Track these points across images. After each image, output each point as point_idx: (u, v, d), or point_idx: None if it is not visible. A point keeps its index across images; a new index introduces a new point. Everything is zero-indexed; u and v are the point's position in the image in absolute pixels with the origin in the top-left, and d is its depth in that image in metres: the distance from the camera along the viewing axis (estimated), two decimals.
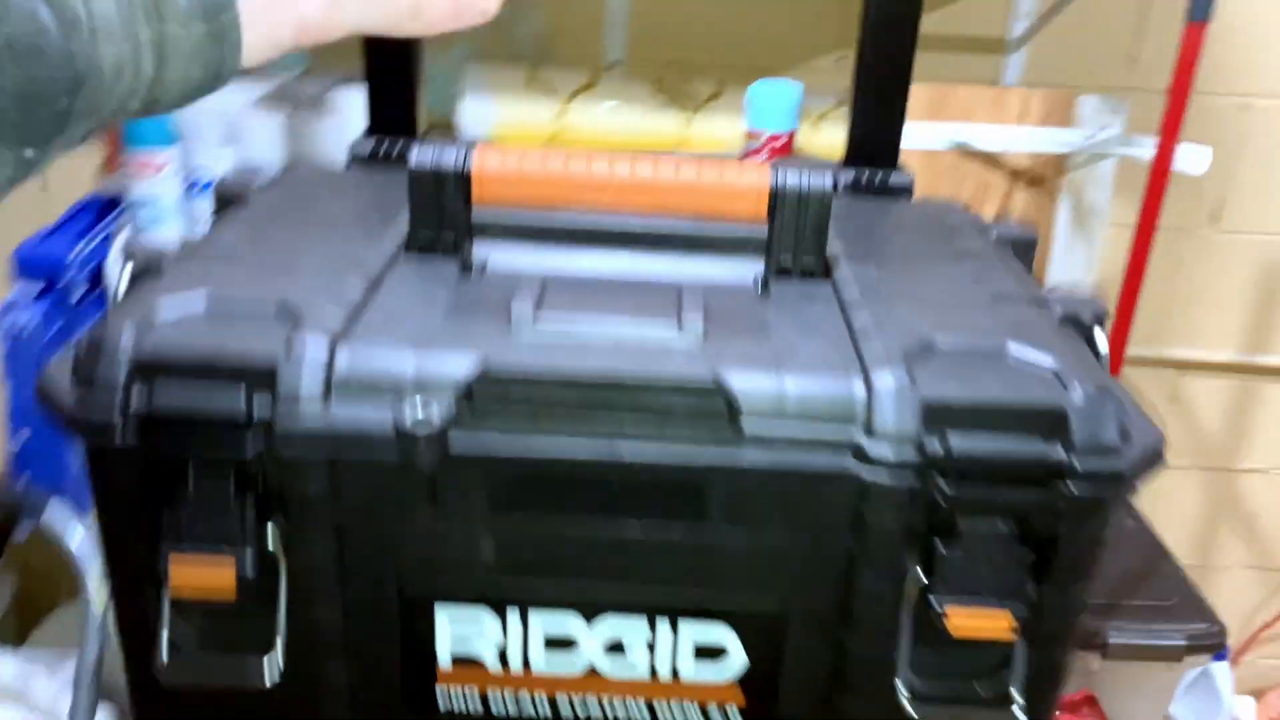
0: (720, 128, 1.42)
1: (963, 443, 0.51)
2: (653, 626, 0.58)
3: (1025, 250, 0.72)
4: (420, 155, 0.63)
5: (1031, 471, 0.52)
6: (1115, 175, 1.27)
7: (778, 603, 0.57)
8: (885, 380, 0.53)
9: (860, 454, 0.53)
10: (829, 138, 1.42)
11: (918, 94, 1.24)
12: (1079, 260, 1.31)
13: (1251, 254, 1.56)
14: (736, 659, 0.58)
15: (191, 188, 1.21)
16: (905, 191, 0.83)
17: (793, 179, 0.63)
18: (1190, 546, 1.77)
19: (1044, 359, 0.55)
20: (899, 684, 0.56)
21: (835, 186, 0.63)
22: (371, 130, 0.83)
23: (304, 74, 1.45)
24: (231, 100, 1.27)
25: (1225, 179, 1.51)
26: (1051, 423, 0.52)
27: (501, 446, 0.53)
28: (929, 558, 0.54)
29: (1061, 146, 1.23)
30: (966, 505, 0.52)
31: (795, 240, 0.65)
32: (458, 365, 0.53)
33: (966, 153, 1.25)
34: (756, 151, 1.22)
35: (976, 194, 1.27)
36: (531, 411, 0.53)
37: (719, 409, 0.53)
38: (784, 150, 1.21)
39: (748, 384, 0.53)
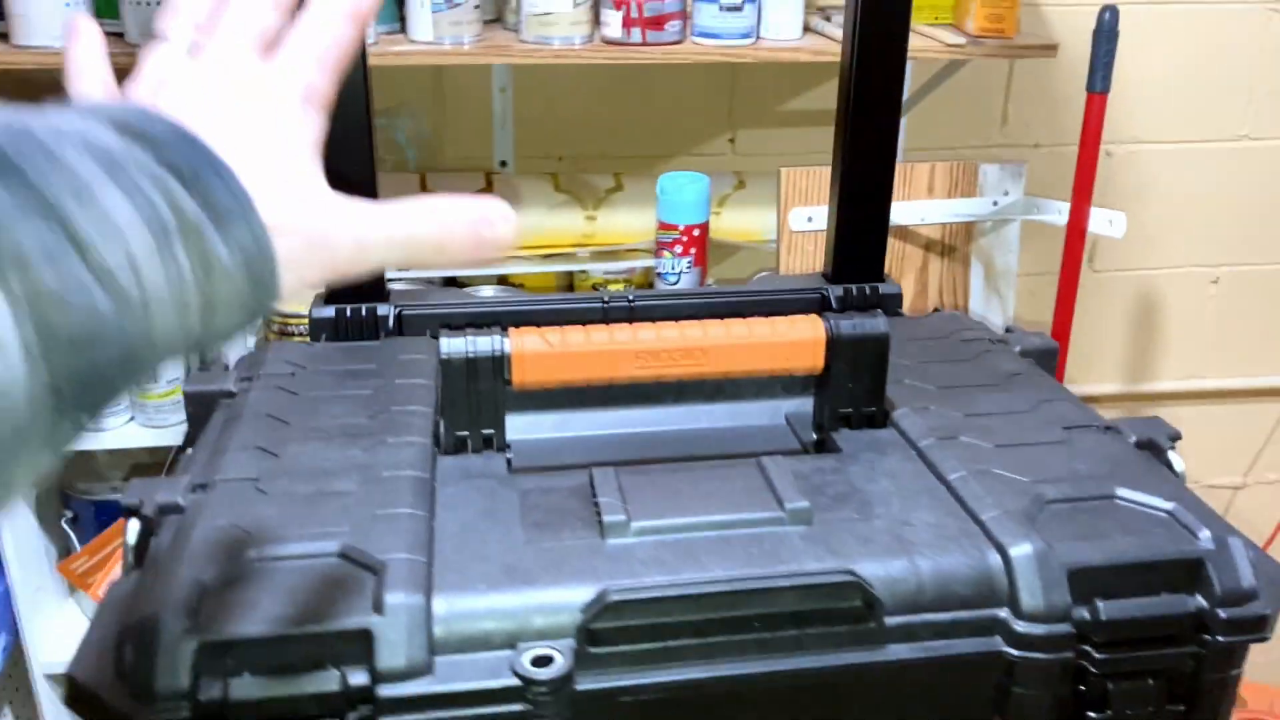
0: (624, 222, 1.39)
1: (1112, 608, 0.49)
2: None
3: (1049, 360, 0.72)
4: (451, 347, 0.57)
5: (1177, 627, 0.50)
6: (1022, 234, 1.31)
7: None
8: (1023, 550, 0.50)
9: (1008, 633, 0.50)
10: (732, 221, 1.41)
11: (826, 177, 1.26)
12: (995, 320, 1.34)
13: (1124, 290, 1.64)
14: None
15: None
16: (896, 300, 0.82)
17: (847, 326, 0.61)
18: None
19: (1156, 501, 0.54)
20: None
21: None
22: (330, 297, 0.76)
23: None
24: None
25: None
26: (1190, 574, 0.51)
27: (628, 678, 0.48)
28: None
29: (972, 217, 1.26)
30: (1116, 672, 0.50)
31: (854, 388, 0.62)
32: (572, 598, 0.48)
33: None
34: (670, 245, 1.20)
35: (894, 267, 1.28)
36: (656, 634, 0.48)
37: (857, 605, 0.49)
38: (700, 241, 1.19)
39: (882, 574, 0.50)
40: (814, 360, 0.61)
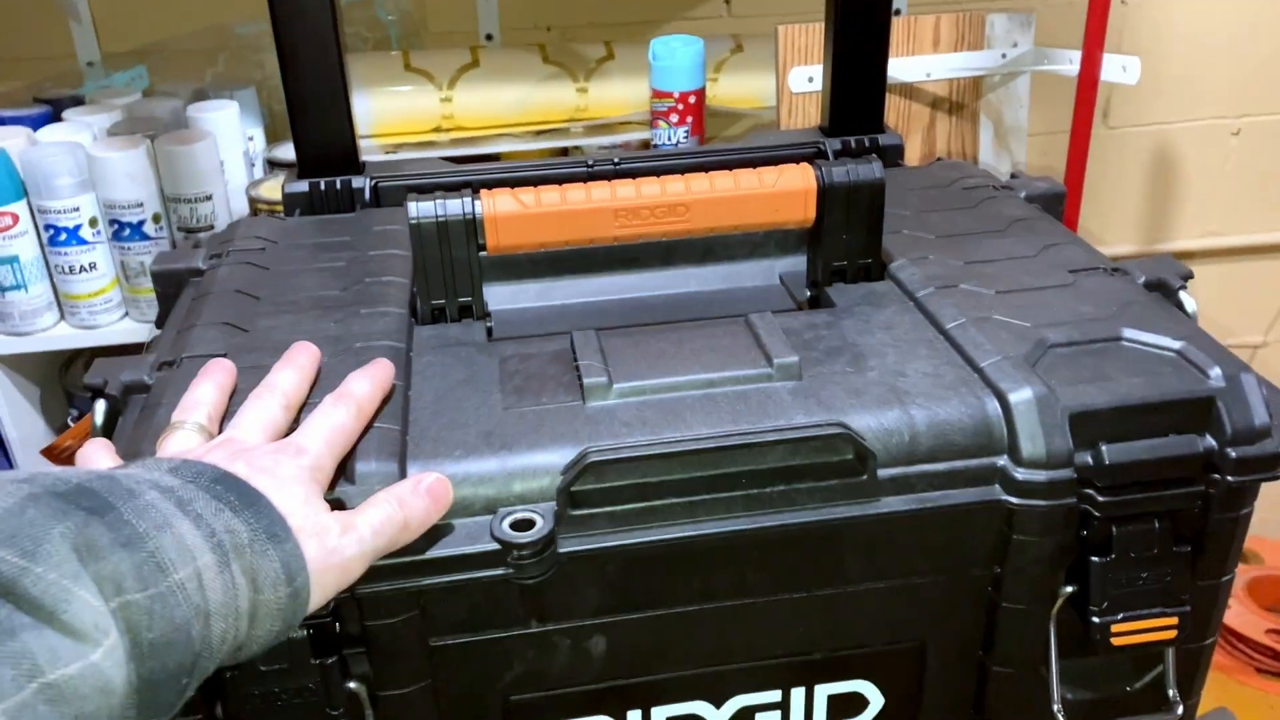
0: (618, 92, 1.34)
1: (1116, 452, 0.47)
2: (786, 696, 0.52)
3: (1055, 205, 0.68)
4: (420, 210, 0.54)
5: (1185, 468, 0.48)
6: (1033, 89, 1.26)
7: (916, 639, 0.52)
8: (1023, 396, 0.48)
9: (1007, 481, 0.48)
10: (730, 87, 1.36)
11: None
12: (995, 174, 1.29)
13: (1140, 146, 1.58)
14: (874, 704, 0.54)
15: (54, 239, 1.06)
16: (897, 152, 0.78)
17: (840, 174, 0.57)
18: None
19: (1164, 341, 0.51)
20: (1053, 697, 0.52)
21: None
22: (304, 171, 0.73)
23: (146, 93, 1.30)
24: (78, 135, 1.12)
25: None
26: (1200, 413, 0.48)
27: (611, 539, 0.46)
28: (1082, 573, 0.50)
29: (980, 70, 1.21)
30: (1120, 515, 0.49)
31: (849, 240, 0.59)
32: (551, 460, 0.46)
33: (887, 88, 1.21)
34: (665, 114, 1.16)
35: (899, 126, 1.23)
36: (640, 494, 0.46)
37: (849, 458, 0.47)
38: (696, 108, 1.15)
39: (875, 426, 0.48)
40: (805, 211, 0.58)
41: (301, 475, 0.42)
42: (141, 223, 1.09)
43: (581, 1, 1.40)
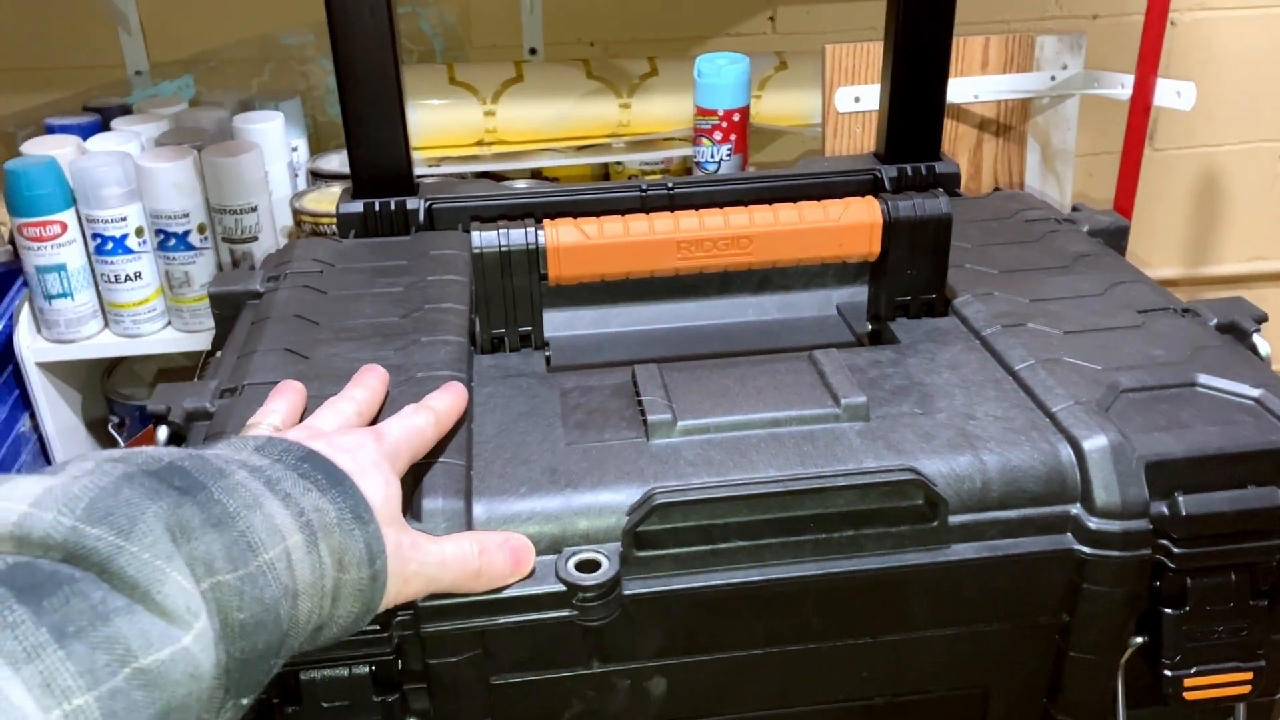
0: (661, 108, 1.34)
1: (1194, 503, 0.46)
2: None
3: (1119, 239, 0.67)
4: (484, 240, 0.54)
5: (1264, 522, 0.47)
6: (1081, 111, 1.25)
7: (980, 686, 0.52)
8: (1097, 443, 0.47)
9: (1080, 530, 0.47)
10: (774, 104, 1.35)
11: (877, 53, 1.19)
12: (1052, 202, 1.28)
13: (1186, 168, 1.57)
14: None
15: (101, 248, 1.07)
16: (954, 180, 0.77)
17: (905, 208, 0.57)
18: None
19: (1241, 388, 0.50)
20: None
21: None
22: (358, 191, 0.72)
23: (193, 103, 1.31)
24: (126, 144, 1.13)
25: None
26: (1278, 465, 0.47)
27: (676, 581, 0.46)
28: (1154, 623, 0.49)
29: (1028, 92, 1.19)
30: (1195, 567, 0.47)
31: (913, 274, 0.58)
32: (617, 500, 0.45)
33: None
34: (709, 131, 1.16)
35: (947, 148, 1.22)
36: (707, 536, 0.46)
37: (919, 504, 0.46)
38: (740, 126, 1.14)
39: (945, 471, 0.47)
40: (870, 245, 0.57)
41: (380, 461, 0.42)
42: (187, 233, 1.09)
43: (625, 17, 1.40)
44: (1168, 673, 0.48)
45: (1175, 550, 0.47)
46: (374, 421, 0.48)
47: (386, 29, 0.70)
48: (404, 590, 0.41)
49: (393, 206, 0.73)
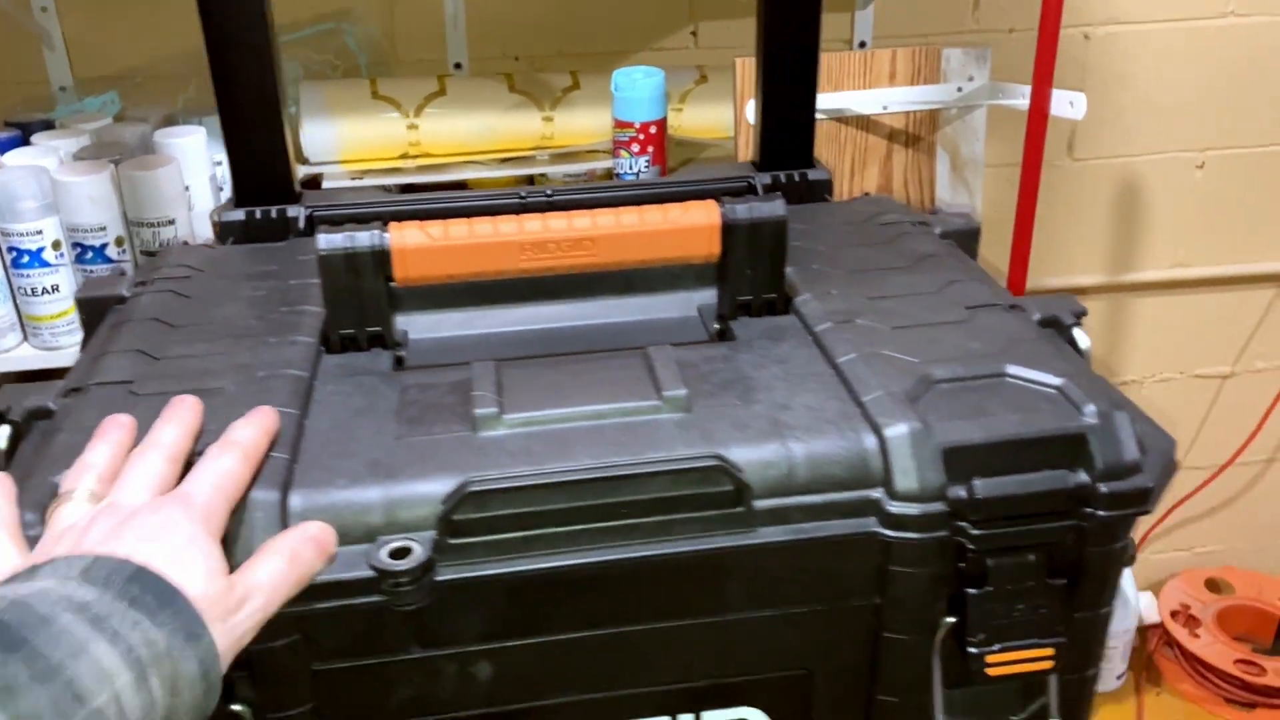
0: (583, 121, 1.36)
1: (987, 486, 0.48)
2: None
3: (969, 240, 0.70)
4: (330, 241, 0.56)
5: (1056, 503, 0.49)
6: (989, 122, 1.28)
7: (802, 668, 0.54)
8: (899, 431, 0.49)
9: (882, 514, 0.49)
10: (694, 117, 1.38)
11: None
12: (963, 211, 1.31)
13: (1105, 178, 1.60)
14: None
15: (17, 261, 1.08)
16: (825, 186, 0.80)
17: (743, 211, 0.59)
18: None
19: (1046, 378, 0.52)
20: None
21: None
22: (240, 200, 0.74)
23: (118, 118, 1.32)
24: (44, 159, 1.14)
25: None
26: (1072, 449, 0.49)
27: (492, 567, 0.47)
28: (961, 604, 0.51)
29: (935, 103, 1.22)
30: (994, 548, 0.50)
31: (753, 275, 0.60)
32: (435, 490, 0.47)
33: (843, 120, 1.23)
34: (627, 144, 1.18)
35: (857, 159, 1.25)
36: (521, 523, 0.48)
37: (727, 490, 0.49)
38: (657, 138, 1.17)
39: (754, 458, 0.49)
40: (710, 247, 0.59)
41: (194, 531, 0.42)
42: (104, 246, 1.10)
43: (549, 32, 1.43)
44: (972, 650, 0.51)
45: (973, 532, 0.49)
46: (192, 456, 0.48)
47: (265, 41, 0.72)
48: (240, 645, 0.42)
49: (273, 214, 0.75)
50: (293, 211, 0.74)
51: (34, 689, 0.33)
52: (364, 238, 0.56)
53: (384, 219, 0.59)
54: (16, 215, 1.08)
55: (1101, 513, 0.49)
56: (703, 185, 0.77)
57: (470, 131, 1.34)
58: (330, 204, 0.75)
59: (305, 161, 1.29)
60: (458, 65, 1.40)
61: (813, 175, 0.79)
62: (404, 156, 1.34)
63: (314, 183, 1.26)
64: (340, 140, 1.32)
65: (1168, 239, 1.66)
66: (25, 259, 1.09)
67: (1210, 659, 1.71)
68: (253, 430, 0.47)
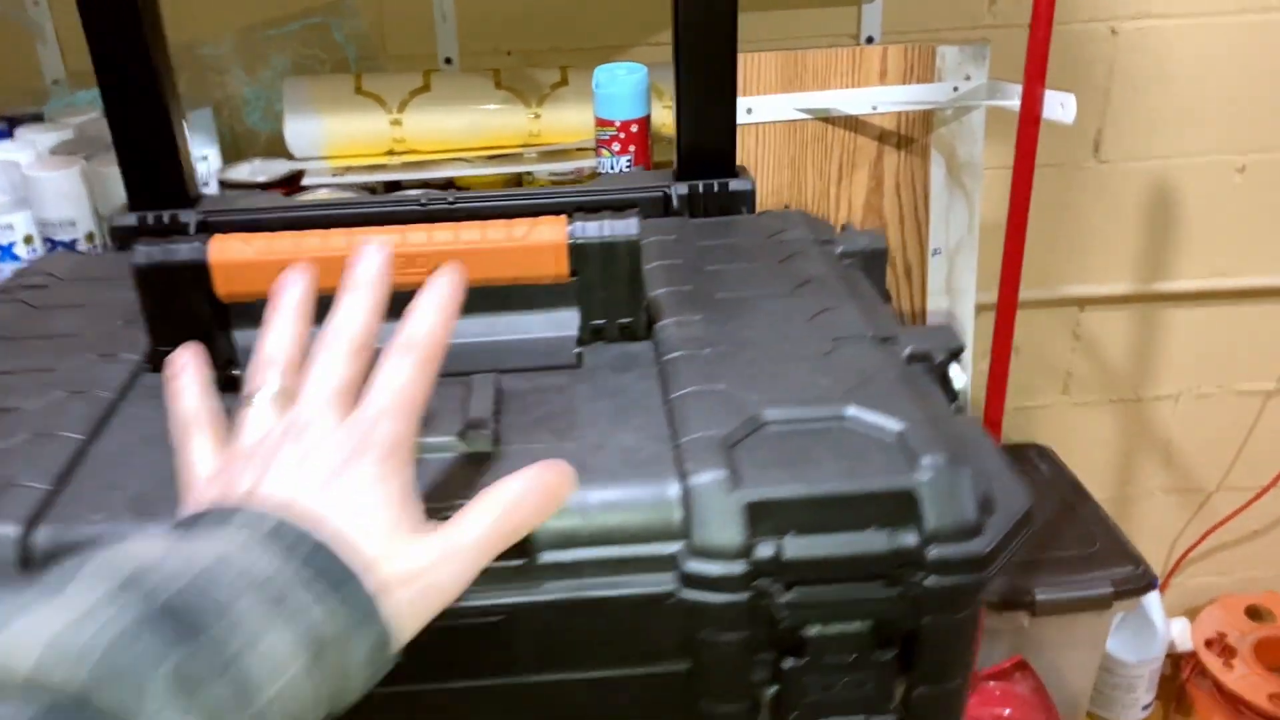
0: (572, 118, 1.32)
1: (798, 546, 0.44)
2: None
3: (874, 261, 0.64)
4: (146, 254, 0.53)
5: (880, 567, 0.44)
6: (986, 122, 1.20)
7: None
8: (703, 480, 0.44)
9: (682, 572, 0.44)
10: None
11: (770, 64, 1.16)
12: (960, 217, 1.24)
13: (1135, 182, 1.51)
14: None
15: None
16: (747, 198, 0.74)
17: (593, 230, 0.55)
18: (1109, 478, 1.74)
19: (888, 423, 0.47)
20: None
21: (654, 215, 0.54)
22: (134, 204, 0.72)
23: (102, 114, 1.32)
24: (19, 154, 1.14)
25: (1100, 108, 1.45)
26: (897, 508, 0.44)
27: None
28: (778, 674, 0.46)
29: (927, 104, 1.16)
30: (810, 614, 0.45)
31: (606, 297, 0.56)
32: None
33: (830, 120, 1.17)
34: (608, 142, 1.14)
35: (845, 162, 1.19)
36: None
37: None
38: (639, 137, 1.12)
39: None
40: (557, 267, 0.55)
41: (376, 475, 0.39)
42: (74, 241, 1.10)
43: (542, 26, 1.39)
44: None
45: (782, 598, 0.44)
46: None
47: (151, 38, 0.70)
48: (431, 611, 0.39)
49: (165, 219, 0.72)
50: (185, 216, 0.72)
51: (215, 682, 0.33)
52: (182, 250, 0.53)
53: (273, 226, 0.56)
54: None
55: (931, 580, 0.44)
56: (611, 195, 0.73)
57: (455, 128, 1.31)
58: (224, 209, 0.73)
59: (290, 157, 1.28)
60: (448, 60, 1.38)
61: (734, 186, 0.74)
62: (389, 153, 1.32)
63: (295, 179, 1.25)
64: (324, 136, 1.31)
65: (1205, 247, 1.56)
66: None
67: (1242, 691, 1.62)
68: (432, 323, 0.44)
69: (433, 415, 0.49)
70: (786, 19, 1.40)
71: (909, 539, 0.44)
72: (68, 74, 1.34)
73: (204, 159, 1.30)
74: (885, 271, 0.64)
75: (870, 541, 0.44)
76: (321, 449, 0.40)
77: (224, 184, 1.26)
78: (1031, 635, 1.49)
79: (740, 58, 1.16)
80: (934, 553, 0.44)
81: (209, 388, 0.46)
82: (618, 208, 0.70)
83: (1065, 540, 1.50)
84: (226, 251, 0.54)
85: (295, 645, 0.35)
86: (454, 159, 1.32)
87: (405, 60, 1.37)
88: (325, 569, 0.37)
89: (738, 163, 0.76)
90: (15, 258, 1.09)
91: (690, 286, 0.60)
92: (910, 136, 1.19)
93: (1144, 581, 1.45)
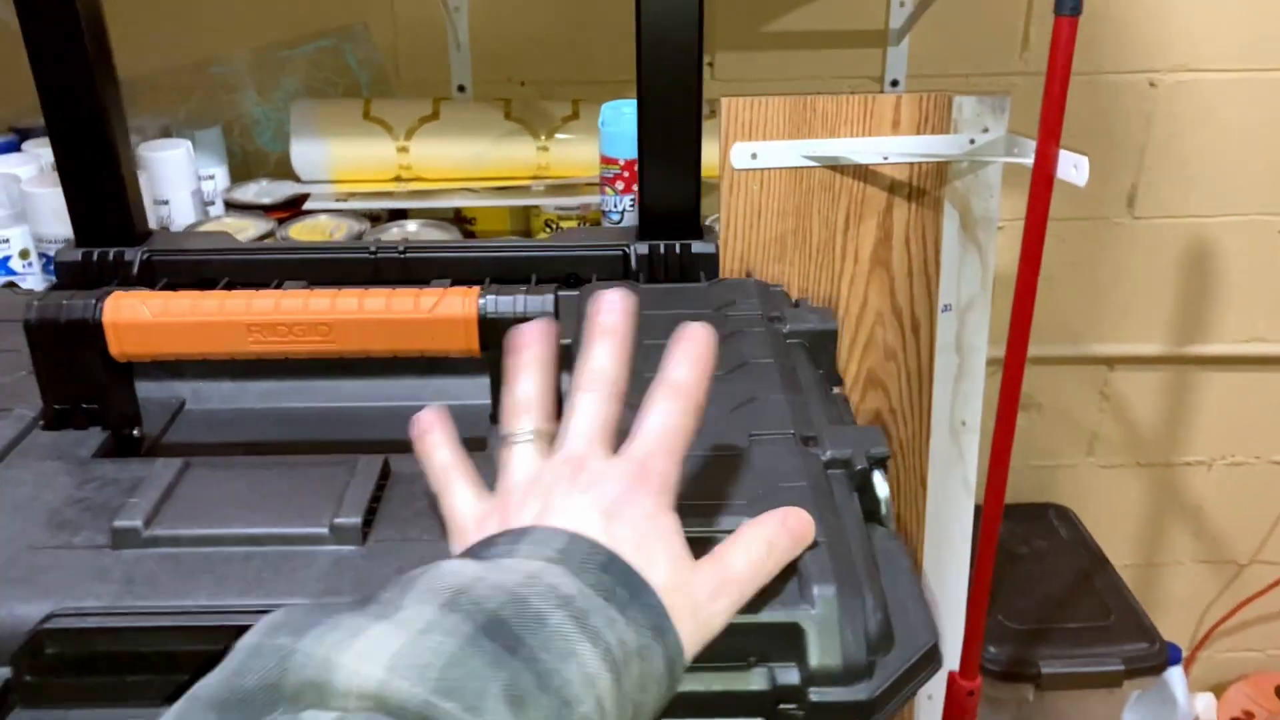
0: (579, 153, 1.30)
1: None
2: None
3: (822, 342, 0.60)
4: (39, 310, 0.51)
5: (755, 707, 0.40)
6: (1004, 175, 1.15)
7: None
8: None
9: None
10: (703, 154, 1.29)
11: (778, 108, 1.12)
12: (973, 272, 1.19)
13: (1171, 239, 1.44)
14: None
15: None
16: (709, 261, 0.71)
17: (505, 305, 0.51)
18: (1136, 545, 1.67)
19: None
20: None
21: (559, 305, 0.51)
22: (80, 239, 0.71)
23: None
24: (21, 168, 1.14)
25: (1136, 163, 1.39)
26: (780, 642, 0.40)
27: (76, 716, 0.41)
28: None
29: (941, 156, 1.11)
30: None
31: None
32: (25, 615, 0.41)
33: (839, 168, 1.13)
34: (612, 180, 1.11)
35: (853, 211, 1.14)
36: (112, 666, 0.41)
37: None
38: None
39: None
40: (468, 342, 0.52)
41: (656, 508, 0.40)
42: None
43: (557, 57, 1.37)
44: None
45: None
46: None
47: (98, 71, 0.68)
48: (709, 638, 0.39)
49: (110, 257, 0.71)
50: (129, 254, 0.70)
51: (540, 697, 0.33)
52: (76, 308, 0.51)
53: (217, 269, 0.54)
54: None
55: None
56: (576, 251, 0.70)
57: (462, 157, 1.29)
58: (169, 249, 0.71)
59: (297, 179, 1.27)
60: (461, 88, 1.36)
61: (697, 248, 0.71)
62: (396, 179, 1.30)
63: (299, 202, 1.24)
64: (330, 161, 1.30)
65: (1243, 309, 1.48)
66: None
67: None
68: (690, 369, 0.43)
69: (309, 502, 0.46)
70: (810, 59, 1.37)
71: (790, 677, 0.40)
72: None
73: (210, 178, 1.29)
74: (835, 352, 0.61)
75: (747, 680, 0.40)
76: (602, 483, 0.40)
77: (229, 204, 1.26)
78: (1038, 709, 1.43)
79: (747, 102, 1.13)
80: (815, 695, 0.40)
81: (459, 442, 0.46)
82: (607, 263, 0.67)
83: (1078, 610, 1.43)
84: (122, 311, 0.51)
85: (601, 661, 0.35)
86: (461, 189, 1.30)
87: (418, 86, 1.36)
88: (623, 579, 0.37)
89: (705, 222, 0.72)
90: (11, 272, 1.09)
91: None
92: (922, 188, 1.14)
93: (1159, 660, 1.38)
